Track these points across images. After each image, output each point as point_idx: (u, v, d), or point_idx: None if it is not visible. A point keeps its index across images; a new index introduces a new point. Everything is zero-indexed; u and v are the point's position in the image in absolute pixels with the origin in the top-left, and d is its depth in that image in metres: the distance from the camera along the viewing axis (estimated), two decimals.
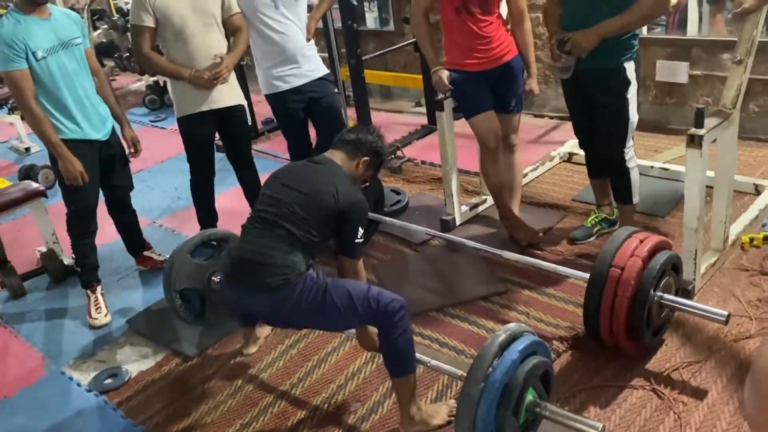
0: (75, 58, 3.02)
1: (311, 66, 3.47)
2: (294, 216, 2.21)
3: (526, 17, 3.27)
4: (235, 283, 2.27)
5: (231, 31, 3.34)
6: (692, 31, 4.53)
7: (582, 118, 3.14)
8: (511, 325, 2.10)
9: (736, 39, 2.75)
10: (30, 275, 3.72)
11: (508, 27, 3.26)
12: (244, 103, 3.47)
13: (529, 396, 1.99)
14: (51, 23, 2.95)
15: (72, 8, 5.96)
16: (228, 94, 3.34)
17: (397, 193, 4.05)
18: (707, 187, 2.73)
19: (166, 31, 3.19)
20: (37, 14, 2.91)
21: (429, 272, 3.27)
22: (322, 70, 3.54)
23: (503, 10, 3.25)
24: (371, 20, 6.53)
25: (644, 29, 4.45)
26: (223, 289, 2.42)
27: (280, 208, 2.24)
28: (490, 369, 1.93)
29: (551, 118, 5.04)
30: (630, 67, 2.85)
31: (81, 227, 3.23)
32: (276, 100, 3.48)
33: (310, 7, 3.57)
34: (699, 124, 2.53)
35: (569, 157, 4.27)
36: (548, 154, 4.31)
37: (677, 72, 4.35)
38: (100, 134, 3.15)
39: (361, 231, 2.31)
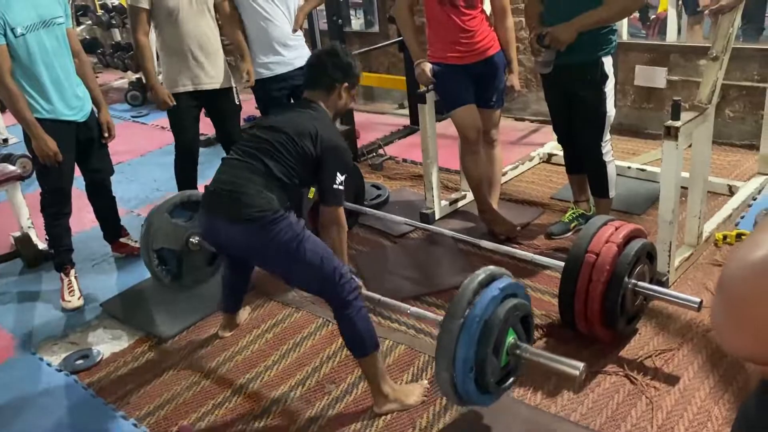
0: (56, 37, 3.00)
1: (295, 54, 3.49)
2: (275, 152, 2.20)
3: (509, 14, 3.32)
4: (211, 214, 2.24)
5: (221, 15, 3.40)
6: (671, 38, 4.62)
7: (561, 113, 3.17)
8: (491, 266, 2.09)
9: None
10: (3, 259, 3.67)
11: (491, 23, 3.31)
12: (233, 85, 3.52)
13: (510, 338, 1.98)
14: (33, 0, 2.93)
15: None
16: (216, 77, 3.40)
17: (378, 188, 4.06)
18: (682, 188, 2.78)
19: (159, 13, 3.25)
20: None
21: (407, 263, 3.28)
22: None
23: (486, 7, 3.29)
24: (357, 25, 6.60)
25: (624, 34, 4.54)
26: (199, 219, 2.37)
27: (261, 144, 2.24)
28: (470, 306, 1.92)
29: (532, 121, 5.09)
30: (608, 62, 2.90)
31: (55, 207, 3.19)
32: (259, 86, 3.50)
33: None
34: (675, 116, 2.58)
35: (548, 158, 4.31)
36: (528, 154, 4.35)
37: (655, 77, 4.42)
38: (77, 116, 3.12)
39: (341, 177, 2.25)
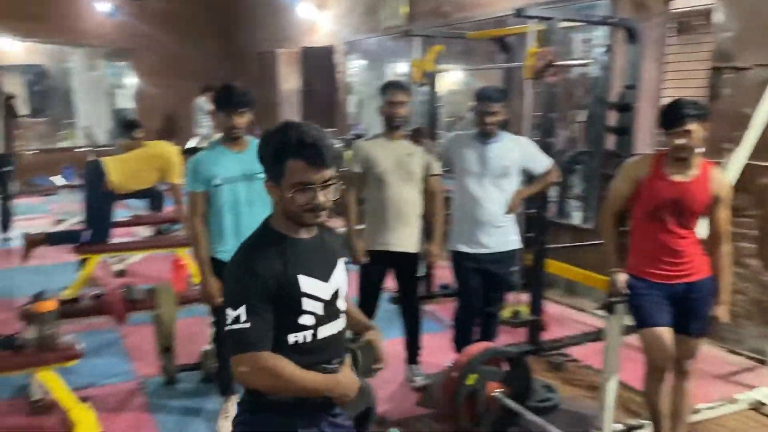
0: (254, 190, 3.20)
1: (499, 239, 3.65)
2: None
3: (726, 240, 3.05)
4: None
5: (428, 191, 3.67)
6: None
7: None
8: None
9: None
10: (187, 368, 3.98)
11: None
12: (418, 251, 3.73)
13: None
14: (242, 156, 3.21)
15: None
16: (405, 241, 3.64)
17: (550, 390, 3.78)
18: None
19: (369, 178, 3.61)
20: (231, 146, 3.21)
21: None
22: (509, 245, 3.71)
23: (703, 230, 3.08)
24: (577, 218, 6.49)
25: None
26: None
27: None
28: None
29: (748, 357, 4.48)
30: None
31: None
32: (456, 257, 3.73)
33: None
34: None
35: (759, 407, 3.71)
36: (732, 396, 3.79)
37: None
38: None
39: (233, 312, 1.70)
